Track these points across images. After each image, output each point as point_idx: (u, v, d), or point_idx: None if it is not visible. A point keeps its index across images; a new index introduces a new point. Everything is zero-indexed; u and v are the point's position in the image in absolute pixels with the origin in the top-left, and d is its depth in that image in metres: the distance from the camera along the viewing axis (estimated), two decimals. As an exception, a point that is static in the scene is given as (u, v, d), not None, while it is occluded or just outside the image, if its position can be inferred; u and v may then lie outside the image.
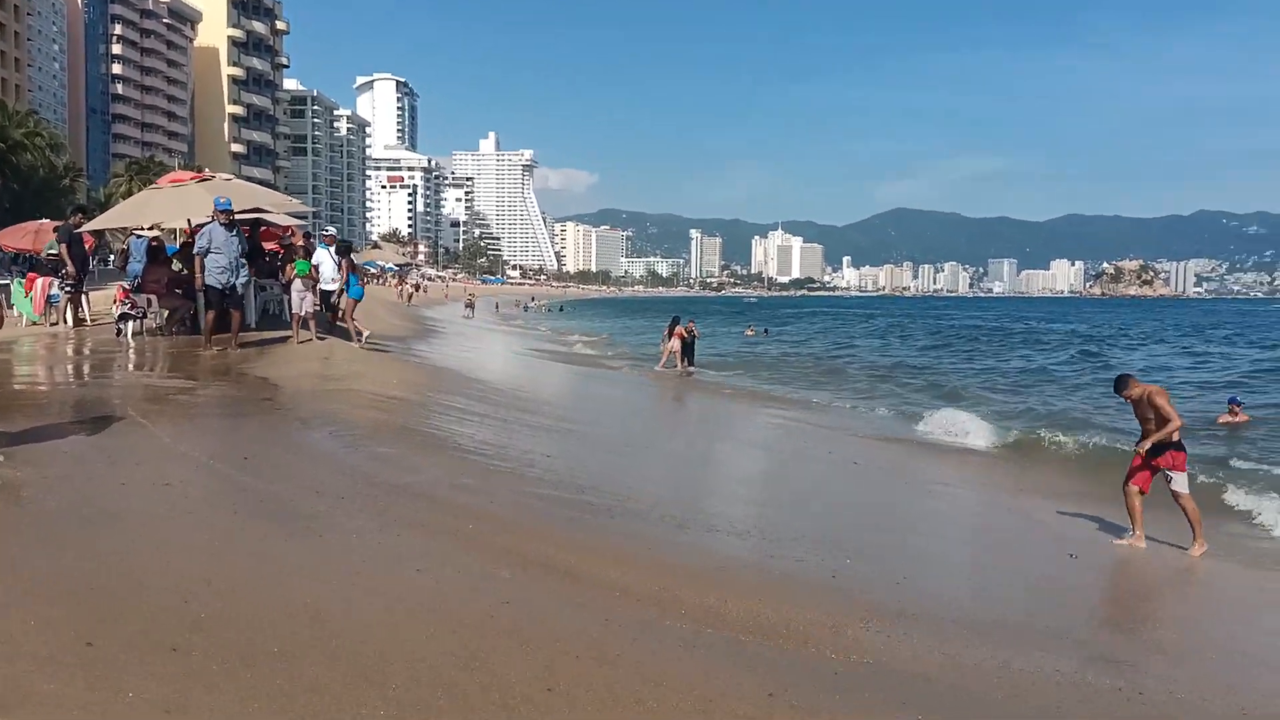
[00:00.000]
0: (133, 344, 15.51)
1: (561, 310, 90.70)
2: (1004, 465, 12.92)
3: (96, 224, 17.23)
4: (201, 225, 15.40)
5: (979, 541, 8.74)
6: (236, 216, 19.34)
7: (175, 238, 19.46)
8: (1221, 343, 49.55)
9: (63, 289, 18.13)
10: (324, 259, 16.36)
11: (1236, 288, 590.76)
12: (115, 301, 17.27)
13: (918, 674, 4.27)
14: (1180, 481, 8.78)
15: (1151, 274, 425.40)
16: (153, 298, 16.58)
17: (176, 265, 16.96)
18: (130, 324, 16.38)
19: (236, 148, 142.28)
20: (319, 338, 15.04)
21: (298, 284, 14.92)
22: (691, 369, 26.09)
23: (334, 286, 16.46)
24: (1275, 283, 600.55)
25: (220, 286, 13.75)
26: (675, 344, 25.81)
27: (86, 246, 20.73)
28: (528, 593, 4.44)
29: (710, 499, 8.54)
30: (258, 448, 6.81)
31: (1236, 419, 17.50)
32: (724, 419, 15.82)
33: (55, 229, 19.21)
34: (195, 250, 13.75)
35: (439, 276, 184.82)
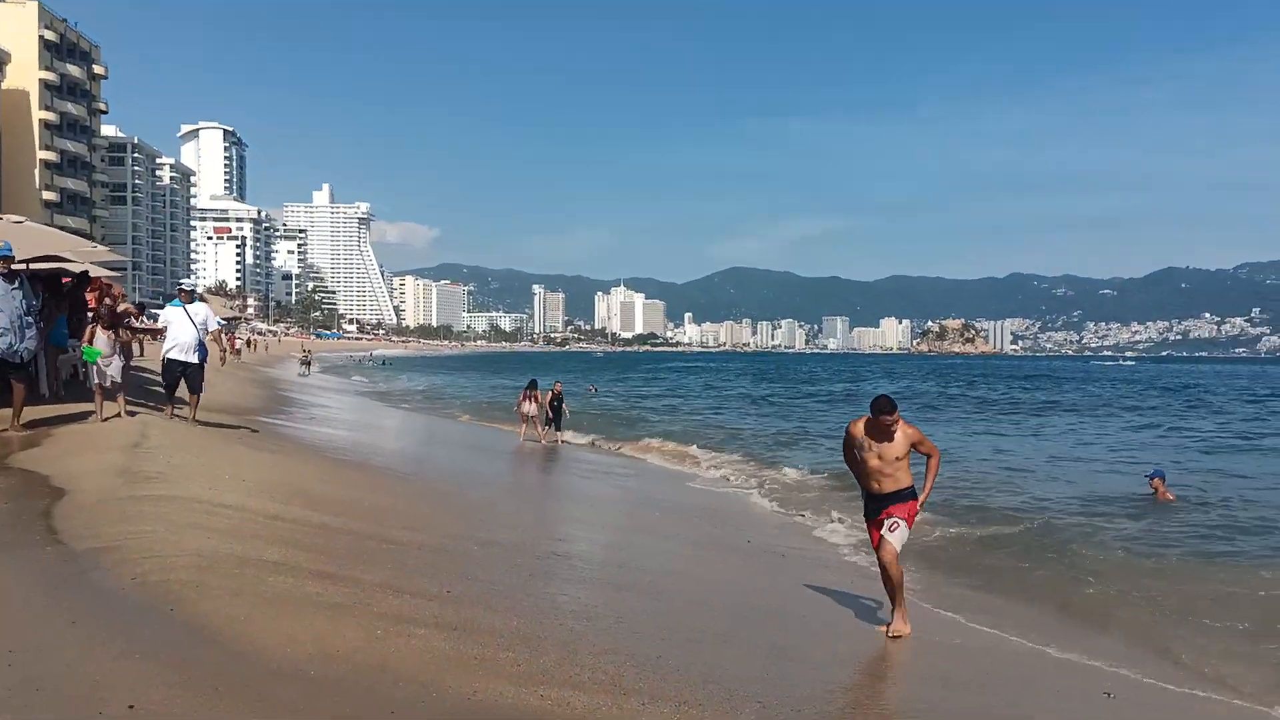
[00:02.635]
0: None
1: (386, 364, 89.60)
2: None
3: None
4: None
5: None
6: (34, 266, 16.29)
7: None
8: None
9: None
10: (176, 319, 13.00)
11: (1049, 345, 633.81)
12: None
13: None
14: (901, 534, 7.06)
15: (973, 332, 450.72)
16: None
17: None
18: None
19: (49, 195, 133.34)
20: (128, 413, 12.07)
21: (102, 344, 11.95)
22: (558, 436, 23.90)
23: (194, 358, 12.92)
24: (1083, 341, 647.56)
25: (3, 354, 10.74)
26: (531, 408, 23.81)
27: None
28: None
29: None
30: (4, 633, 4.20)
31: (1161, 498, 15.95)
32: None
33: None
34: None
35: (270, 331, 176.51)
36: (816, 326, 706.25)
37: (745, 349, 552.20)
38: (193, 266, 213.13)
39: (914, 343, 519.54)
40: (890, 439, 7.05)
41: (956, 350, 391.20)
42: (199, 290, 14.94)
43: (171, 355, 12.93)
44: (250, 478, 8.88)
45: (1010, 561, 10.49)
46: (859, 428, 7.15)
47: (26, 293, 12.80)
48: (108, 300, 19.25)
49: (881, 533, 7.06)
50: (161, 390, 18.58)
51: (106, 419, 11.57)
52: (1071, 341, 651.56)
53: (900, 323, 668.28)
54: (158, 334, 15.30)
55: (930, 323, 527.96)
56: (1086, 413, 39.65)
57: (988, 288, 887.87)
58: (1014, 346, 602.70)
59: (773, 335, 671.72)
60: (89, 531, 6.04)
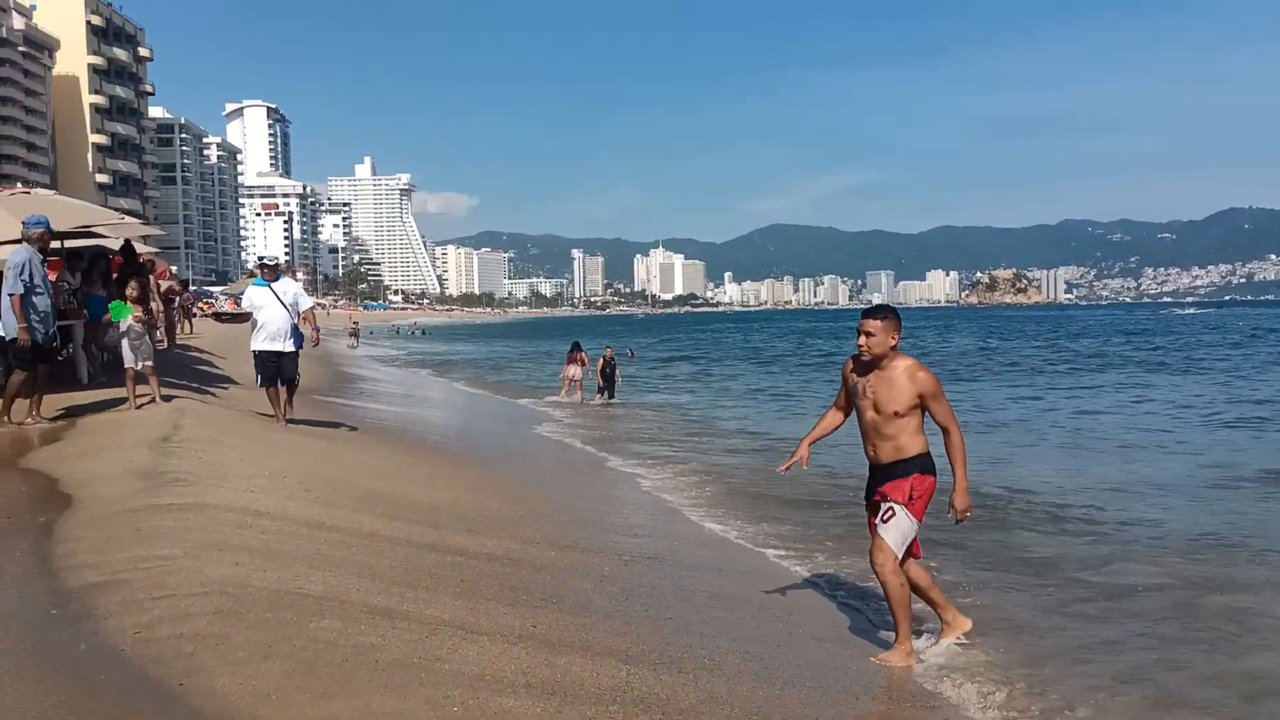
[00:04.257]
0: None
1: (425, 334, 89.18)
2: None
3: None
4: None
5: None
6: (69, 243, 15.34)
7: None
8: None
9: None
10: (264, 301, 11.03)
11: (1105, 293, 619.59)
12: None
13: None
14: (899, 526, 5.15)
15: (1025, 282, 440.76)
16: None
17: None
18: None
19: (102, 178, 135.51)
20: (164, 398, 11.07)
21: (132, 327, 10.93)
22: (603, 399, 22.90)
23: (288, 345, 10.99)
24: (1142, 288, 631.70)
25: (43, 340, 9.79)
26: (575, 370, 23.06)
27: None
28: None
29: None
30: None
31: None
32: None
33: None
34: (7, 289, 9.66)
35: (319, 304, 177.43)
36: (860, 282, 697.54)
37: (787, 307, 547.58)
38: (243, 243, 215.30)
39: (963, 295, 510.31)
40: (886, 376, 5.16)
41: (1008, 301, 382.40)
42: (282, 264, 12.65)
43: (260, 346, 10.99)
44: (291, 472, 7.79)
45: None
46: (852, 363, 5.40)
47: (61, 273, 11.88)
48: (136, 278, 18.40)
49: (875, 522, 5.27)
50: (212, 373, 17.75)
51: (140, 405, 10.59)
52: (1129, 289, 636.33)
53: (948, 275, 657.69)
54: (245, 318, 13.39)
55: (979, 274, 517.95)
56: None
57: (1039, 235, 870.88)
58: (1068, 296, 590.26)
59: (815, 292, 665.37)
60: (92, 558, 4.94)
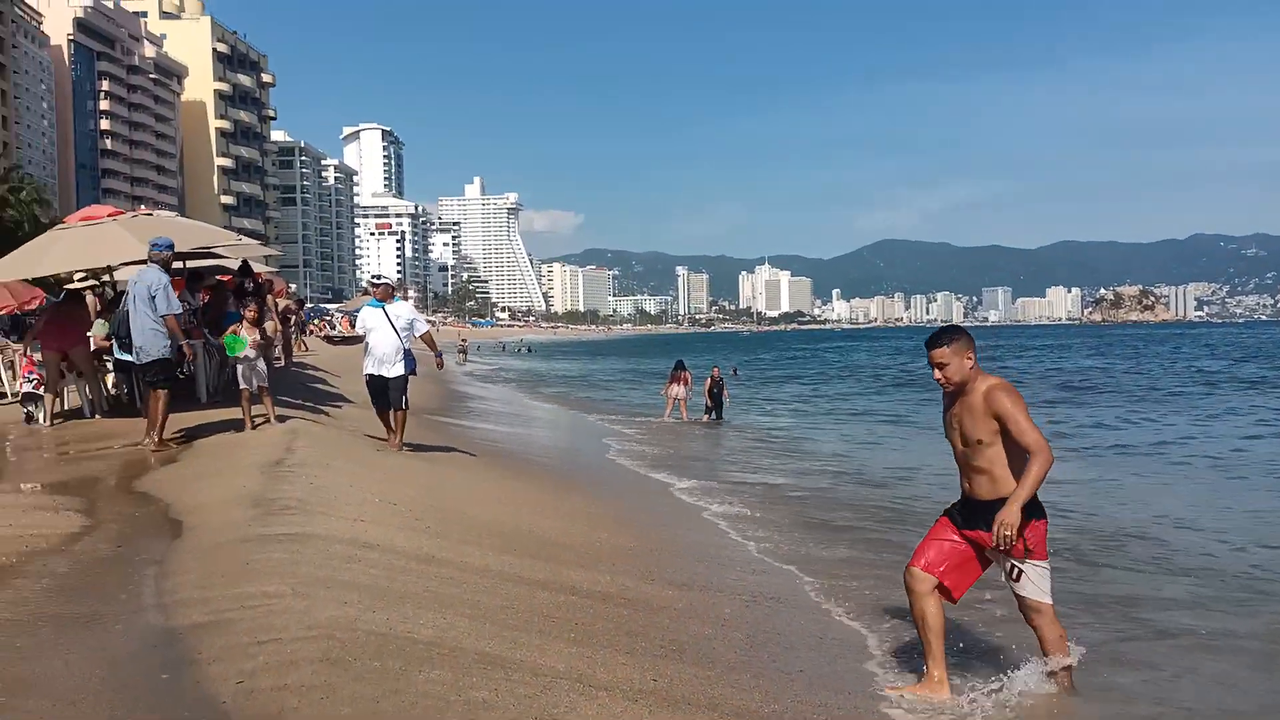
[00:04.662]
0: (46, 427, 11.82)
1: (531, 351, 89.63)
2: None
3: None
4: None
5: None
6: (191, 264, 15.75)
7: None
8: None
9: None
10: (374, 324, 10.71)
11: (1239, 310, 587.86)
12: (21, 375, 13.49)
13: None
14: (1036, 579, 4.71)
15: (1152, 299, 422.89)
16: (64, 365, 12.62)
17: (102, 328, 13.02)
18: (40, 404, 12.60)
19: (226, 199, 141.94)
20: (277, 419, 11.13)
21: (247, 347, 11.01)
22: (709, 419, 22.53)
23: (398, 369, 10.54)
24: (1279, 305, 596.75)
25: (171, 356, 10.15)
26: (679, 390, 22.74)
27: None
28: None
29: None
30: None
31: None
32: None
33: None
34: (162, 310, 10.01)
35: (429, 321, 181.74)
36: (975, 298, 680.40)
37: (898, 324, 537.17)
38: (358, 261, 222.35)
39: (1085, 312, 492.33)
40: (969, 402, 4.66)
41: (1134, 319, 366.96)
42: (392, 283, 11.57)
43: (368, 369, 10.75)
44: (401, 498, 7.62)
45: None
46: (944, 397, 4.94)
47: (182, 292, 12.15)
48: (280, 296, 18.83)
49: (1012, 587, 4.77)
50: (326, 391, 17.97)
51: (255, 426, 10.67)
52: (1265, 306, 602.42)
53: (1069, 291, 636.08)
54: (357, 340, 13.34)
55: (1103, 290, 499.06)
56: None
57: (1167, 250, 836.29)
58: (1199, 313, 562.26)
59: (927, 309, 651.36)
60: (199, 593, 4.78)
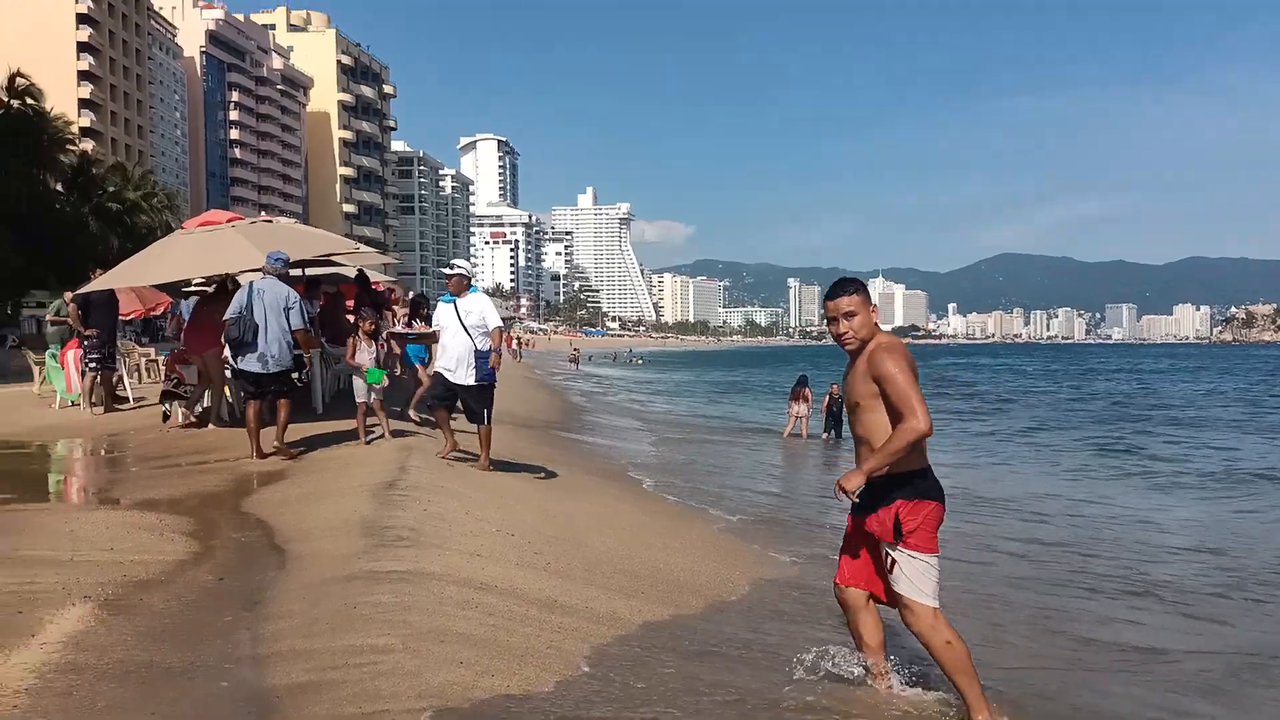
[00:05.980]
0: (175, 427, 11.95)
1: (642, 362, 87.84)
2: None
3: (99, 283, 13.19)
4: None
5: None
6: (309, 271, 15.73)
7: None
8: None
9: (86, 363, 14.52)
10: (445, 321, 9.53)
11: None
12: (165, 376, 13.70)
13: None
14: (910, 573, 3.97)
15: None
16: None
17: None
18: (179, 405, 12.69)
19: (348, 208, 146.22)
20: (394, 433, 10.79)
21: (365, 357, 10.67)
22: (830, 438, 21.63)
23: (469, 377, 9.27)
24: None
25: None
26: (801, 408, 22.01)
27: (121, 309, 17.33)
28: None
29: None
30: None
31: None
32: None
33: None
34: (295, 324, 9.99)
35: (541, 329, 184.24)
36: (1098, 315, 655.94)
37: (1016, 340, 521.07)
38: (473, 269, 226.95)
39: (1215, 331, 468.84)
40: (858, 361, 4.12)
41: (1267, 339, 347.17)
42: (467, 273, 9.73)
43: (436, 365, 9.98)
44: (519, 528, 7.07)
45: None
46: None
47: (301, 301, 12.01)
48: (397, 303, 18.75)
49: (888, 579, 4.06)
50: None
51: (369, 440, 10.35)
52: None
53: (1198, 309, 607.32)
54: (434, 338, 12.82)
55: (1234, 309, 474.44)
56: None
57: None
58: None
59: (1048, 325, 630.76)
60: (302, 643, 4.28)
